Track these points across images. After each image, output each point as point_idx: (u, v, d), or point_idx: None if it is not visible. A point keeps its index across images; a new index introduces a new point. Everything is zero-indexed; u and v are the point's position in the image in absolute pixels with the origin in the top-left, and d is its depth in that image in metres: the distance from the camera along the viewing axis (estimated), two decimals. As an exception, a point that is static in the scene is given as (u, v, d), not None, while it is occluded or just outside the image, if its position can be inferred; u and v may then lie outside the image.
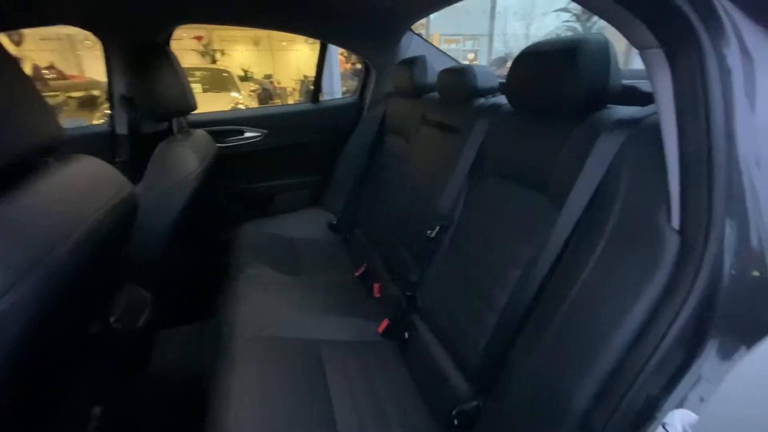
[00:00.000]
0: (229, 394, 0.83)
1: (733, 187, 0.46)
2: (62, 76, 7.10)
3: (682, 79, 0.49)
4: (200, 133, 1.38)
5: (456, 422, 0.78)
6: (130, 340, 1.01)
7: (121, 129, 1.53)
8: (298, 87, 10.37)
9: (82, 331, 0.79)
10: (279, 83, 11.41)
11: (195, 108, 1.32)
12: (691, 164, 0.49)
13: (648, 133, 0.60)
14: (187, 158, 1.17)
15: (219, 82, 6.16)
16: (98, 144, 1.53)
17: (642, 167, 0.59)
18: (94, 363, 0.89)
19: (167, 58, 1.19)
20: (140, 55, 1.21)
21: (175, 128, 1.28)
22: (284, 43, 12.63)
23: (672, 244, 0.50)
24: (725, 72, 0.46)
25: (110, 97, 1.52)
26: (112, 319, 0.95)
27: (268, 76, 11.71)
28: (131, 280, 1.10)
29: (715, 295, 0.46)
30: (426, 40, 1.75)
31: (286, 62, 12.53)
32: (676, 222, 0.51)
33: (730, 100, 0.46)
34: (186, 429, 0.87)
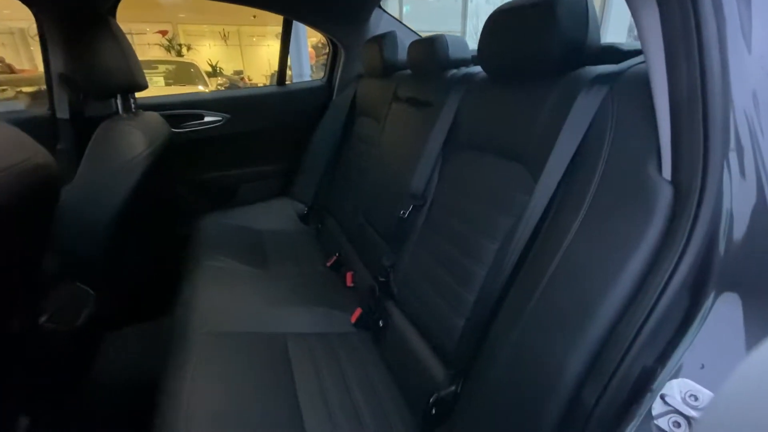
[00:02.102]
0: (179, 395, 0.74)
1: (729, 127, 0.41)
2: (11, 69, 6.62)
3: (672, 16, 0.44)
4: (150, 114, 1.26)
5: (434, 411, 0.72)
6: (66, 342, 0.89)
7: (62, 113, 1.38)
8: (269, 83, 10.15)
9: None
10: (250, 79, 11.11)
11: (144, 86, 1.20)
12: (684, 108, 0.44)
13: (631, 85, 0.56)
14: (132, 139, 1.05)
15: (185, 75, 5.90)
16: (37, 130, 1.37)
17: (626, 120, 0.54)
18: (19, 367, 0.77)
19: (109, 28, 1.07)
20: (78, 26, 1.08)
21: (120, 107, 1.16)
22: (254, 39, 12.31)
23: (664, 196, 0.45)
24: (718, 3, 0.41)
25: (47, 77, 1.37)
26: (43, 318, 0.84)
27: (239, 72, 11.38)
28: (70, 276, 0.98)
29: (714, 249, 0.41)
30: (397, 19, 1.68)
31: (256, 58, 12.21)
32: (667, 172, 0.46)
33: (724, 34, 0.41)
34: None
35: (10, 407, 0.74)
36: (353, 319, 1.10)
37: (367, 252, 1.24)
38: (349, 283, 1.28)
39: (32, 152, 0.60)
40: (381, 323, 1.01)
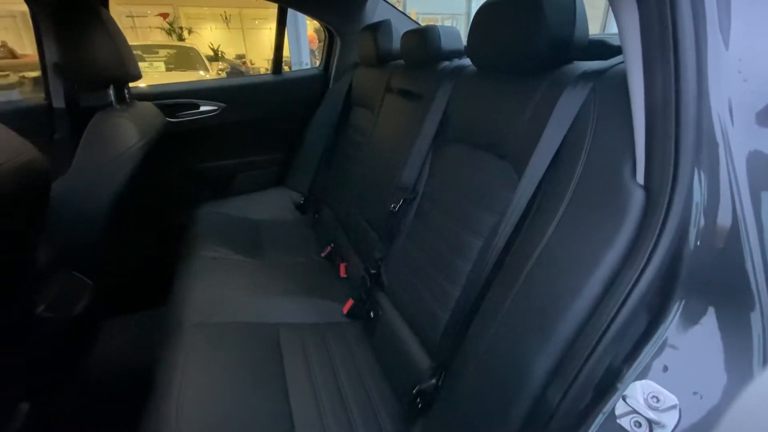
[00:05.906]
0: (170, 386, 0.76)
1: (702, 134, 0.40)
2: (12, 54, 6.57)
3: (650, 14, 0.44)
4: (144, 105, 1.27)
5: (419, 402, 0.74)
6: (64, 331, 0.92)
7: (58, 102, 1.38)
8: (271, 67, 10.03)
9: None
10: (252, 63, 10.99)
11: (137, 77, 1.20)
12: (658, 111, 0.43)
13: (613, 83, 0.55)
14: (125, 130, 1.06)
15: (185, 60, 5.84)
16: (34, 120, 1.38)
17: (607, 120, 0.53)
18: (18, 355, 0.80)
19: (98, 18, 1.07)
20: (69, 16, 1.08)
21: (113, 98, 1.16)
22: (256, 22, 12.12)
23: (636, 201, 0.45)
24: (697, 2, 0.40)
25: (42, 66, 1.37)
26: (41, 308, 0.86)
27: (241, 56, 11.25)
28: (67, 266, 1.00)
29: (681, 254, 0.41)
30: (393, 6, 1.65)
31: (259, 42, 12.04)
32: (641, 176, 0.46)
33: (703, 34, 0.40)
34: (124, 427, 0.80)
35: (11, 394, 0.77)
36: (345, 310, 1.12)
37: (360, 244, 1.25)
38: (343, 273, 1.29)
39: (18, 151, 0.61)
40: (372, 314, 1.03)
